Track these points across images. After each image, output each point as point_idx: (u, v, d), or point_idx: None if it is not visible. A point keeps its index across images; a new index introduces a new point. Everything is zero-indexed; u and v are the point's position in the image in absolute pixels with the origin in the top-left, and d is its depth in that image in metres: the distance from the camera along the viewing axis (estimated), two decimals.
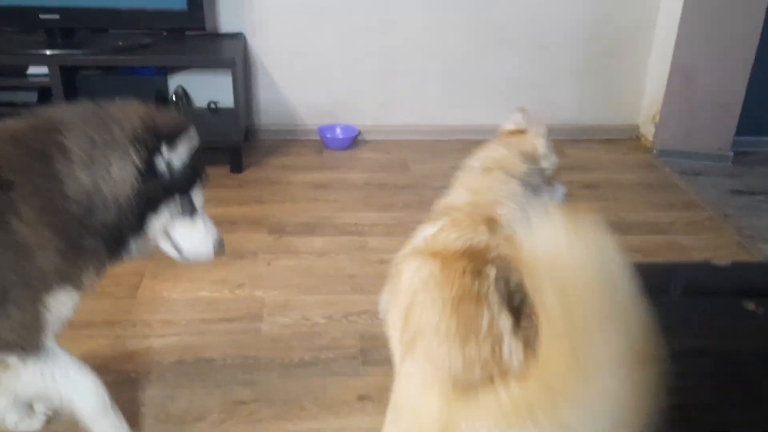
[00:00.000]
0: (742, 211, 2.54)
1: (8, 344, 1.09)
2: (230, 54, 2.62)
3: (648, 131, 3.10)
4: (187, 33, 2.80)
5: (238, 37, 2.84)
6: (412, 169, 2.83)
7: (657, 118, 2.98)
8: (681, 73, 2.87)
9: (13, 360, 1.11)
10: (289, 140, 3.04)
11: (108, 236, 1.12)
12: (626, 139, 3.20)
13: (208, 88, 2.92)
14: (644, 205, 2.56)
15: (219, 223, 1.33)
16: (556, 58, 3.04)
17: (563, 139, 3.16)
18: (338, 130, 3.04)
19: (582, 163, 2.93)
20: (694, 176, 2.86)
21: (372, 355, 1.66)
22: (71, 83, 2.59)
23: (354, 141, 3.03)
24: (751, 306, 1.12)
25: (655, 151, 3.03)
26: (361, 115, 3.08)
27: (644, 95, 3.14)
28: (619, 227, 2.35)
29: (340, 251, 2.16)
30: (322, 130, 3.02)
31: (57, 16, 2.46)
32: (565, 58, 3.04)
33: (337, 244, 2.19)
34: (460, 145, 3.07)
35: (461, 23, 2.94)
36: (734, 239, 2.31)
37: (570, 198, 2.53)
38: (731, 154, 3.01)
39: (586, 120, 3.17)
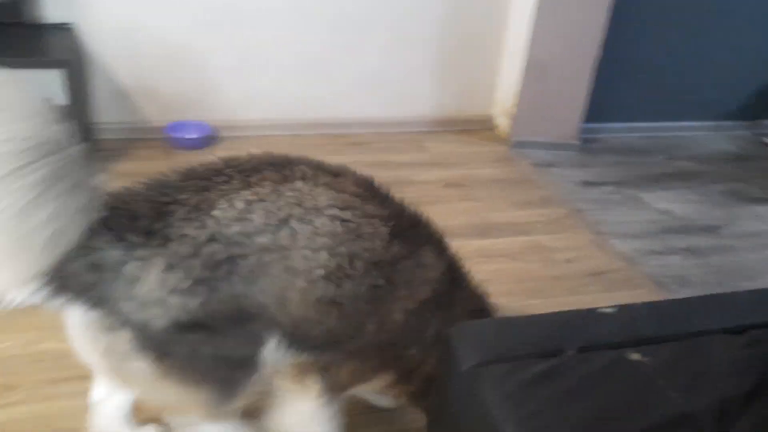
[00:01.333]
0: (594, 206, 2.68)
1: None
2: (60, 50, 2.30)
3: (503, 122, 3.17)
4: (6, 23, 2.41)
5: (67, 28, 2.49)
6: None
7: (514, 110, 3.05)
8: (536, 66, 2.95)
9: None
10: (134, 140, 2.76)
11: None
12: (481, 129, 3.25)
13: (37, 84, 2.55)
14: (506, 203, 2.62)
15: None
16: (414, 51, 3.01)
17: (423, 131, 3.16)
18: (189, 128, 2.80)
19: (443, 159, 2.94)
20: (547, 168, 2.98)
21: None
22: None
23: (207, 140, 2.82)
24: (636, 356, 1.15)
25: (511, 142, 3.11)
26: (214, 110, 2.86)
27: (498, 87, 3.20)
28: (486, 229, 2.39)
29: None
30: (170, 129, 2.77)
31: None
32: (423, 51, 3.02)
33: None
34: (322, 140, 2.98)
35: (320, 16, 2.81)
36: (589, 237, 2.44)
37: (435, 199, 2.56)
38: (578, 142, 3.16)
39: (443, 112, 3.19)
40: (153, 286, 0.96)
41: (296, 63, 2.87)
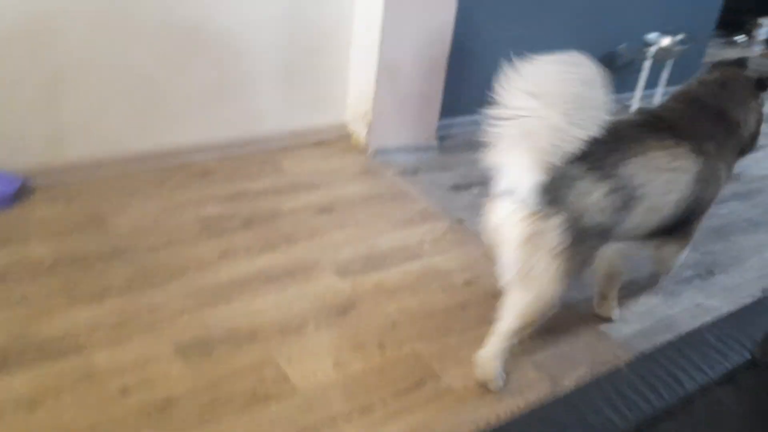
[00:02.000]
0: (471, 213, 2.57)
1: None
2: None
3: (359, 130, 2.95)
4: None
5: None
6: (112, 222, 2.24)
7: (369, 117, 2.84)
8: (388, 69, 2.76)
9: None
10: None
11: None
12: (337, 139, 3.02)
13: None
14: (387, 224, 2.42)
15: None
16: (255, 62, 2.66)
17: (276, 149, 2.85)
18: None
19: (305, 179, 2.67)
20: (413, 175, 2.83)
21: None
22: None
23: (18, 193, 2.28)
24: None
25: (370, 150, 2.91)
26: (22, 155, 2.32)
27: (350, 93, 2.97)
28: (378, 260, 2.18)
29: (61, 391, 1.56)
30: None
31: None
32: (265, 61, 2.69)
33: (51, 381, 1.58)
34: (162, 175, 2.55)
35: (142, 33, 2.36)
36: (478, 251, 2.32)
37: (311, 231, 2.29)
38: (437, 143, 3.05)
39: (295, 125, 2.90)
40: (596, 199, 1.43)
41: (119, 86, 2.41)
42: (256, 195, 2.51)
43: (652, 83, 3.72)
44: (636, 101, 3.76)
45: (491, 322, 1.68)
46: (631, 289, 2.15)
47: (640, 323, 2.02)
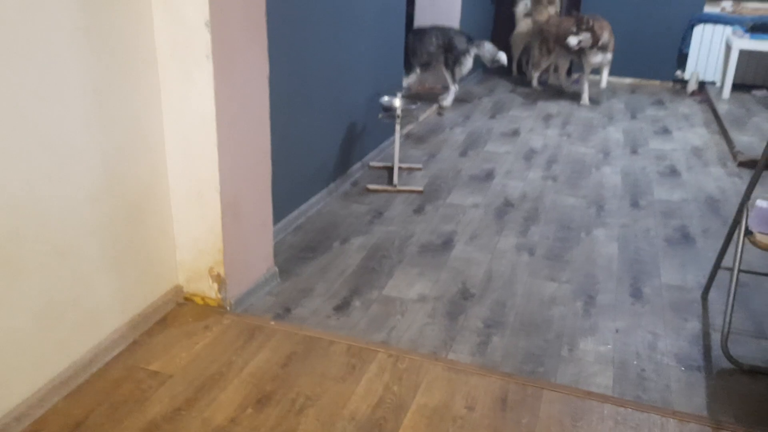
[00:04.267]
0: (373, 328, 2.36)
1: None
2: None
3: (205, 288, 2.41)
4: None
5: None
6: None
7: (219, 268, 2.35)
8: (230, 208, 2.32)
9: None
10: None
11: None
12: (178, 309, 2.41)
13: None
14: (340, 401, 2.05)
15: None
16: (78, 259, 1.95)
17: (120, 352, 2.15)
18: None
19: (197, 382, 2.07)
20: (289, 312, 2.45)
21: None
22: None
23: None
24: None
25: (228, 306, 2.41)
26: None
27: (178, 252, 2.40)
28: None
29: None
30: None
31: None
32: (92, 251, 1.98)
33: None
34: None
35: None
36: None
37: None
38: (276, 267, 2.70)
39: (125, 317, 2.22)
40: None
41: None
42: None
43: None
44: None
45: None
46: None
47: None
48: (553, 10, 6.15)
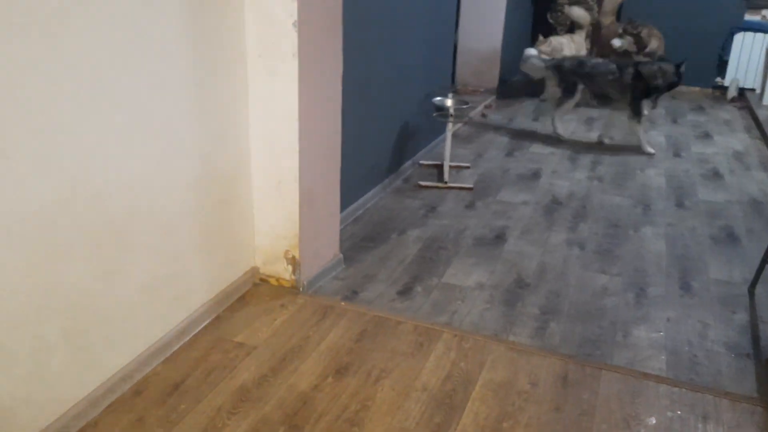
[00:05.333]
0: (436, 311, 2.51)
1: None
2: None
3: (279, 271, 2.59)
4: None
5: None
6: None
7: (296, 252, 2.53)
8: (307, 196, 2.50)
9: None
10: None
11: None
12: (254, 289, 2.60)
13: None
14: (409, 377, 2.21)
15: None
16: (173, 238, 2.14)
17: (206, 326, 2.33)
18: None
19: (280, 352, 2.24)
20: (356, 295, 2.62)
21: None
22: None
23: None
24: None
25: (302, 287, 2.58)
26: None
27: (257, 236, 2.58)
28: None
29: None
30: None
31: None
32: (187, 233, 2.18)
33: None
34: None
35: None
36: None
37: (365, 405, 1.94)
38: (341, 254, 2.87)
39: (215, 289, 2.40)
40: None
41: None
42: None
43: None
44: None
45: None
46: None
47: None
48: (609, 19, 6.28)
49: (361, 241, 3.10)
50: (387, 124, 3.66)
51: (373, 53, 3.30)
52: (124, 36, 1.77)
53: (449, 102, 3.82)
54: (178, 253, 2.15)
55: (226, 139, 2.30)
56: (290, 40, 2.25)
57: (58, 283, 1.71)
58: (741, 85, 6.41)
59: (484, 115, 5.45)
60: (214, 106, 2.19)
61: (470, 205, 3.59)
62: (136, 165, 1.90)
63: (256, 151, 2.44)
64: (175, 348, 2.19)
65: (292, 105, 2.33)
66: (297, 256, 2.53)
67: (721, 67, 6.57)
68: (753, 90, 6.36)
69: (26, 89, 1.52)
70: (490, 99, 5.83)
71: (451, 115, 3.73)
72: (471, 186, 3.83)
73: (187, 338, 2.25)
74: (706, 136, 5.16)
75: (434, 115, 3.83)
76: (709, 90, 6.72)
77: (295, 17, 2.22)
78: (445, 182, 3.82)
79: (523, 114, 5.62)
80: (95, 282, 1.83)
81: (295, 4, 2.20)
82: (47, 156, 1.61)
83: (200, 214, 2.22)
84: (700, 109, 6.06)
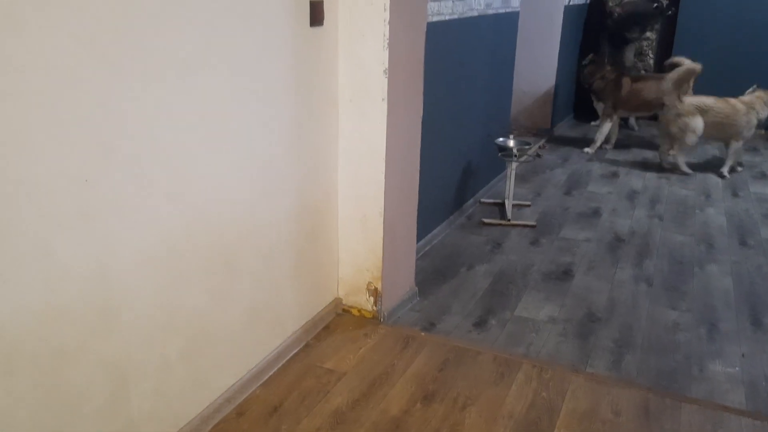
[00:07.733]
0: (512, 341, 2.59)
1: None
2: None
3: (361, 302, 2.72)
4: None
5: None
6: None
7: (378, 284, 2.65)
8: (390, 230, 2.64)
9: None
10: None
11: None
12: (335, 317, 2.73)
13: None
14: (492, 415, 2.29)
15: None
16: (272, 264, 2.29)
17: (302, 356, 2.46)
18: None
19: (366, 381, 2.35)
20: (433, 326, 2.72)
21: None
22: None
23: None
24: None
25: (383, 318, 2.70)
26: None
27: (341, 267, 2.72)
28: None
29: None
30: None
31: None
32: (283, 263, 2.33)
33: None
34: None
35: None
36: None
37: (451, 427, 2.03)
38: (416, 287, 2.99)
39: (301, 321, 2.54)
40: None
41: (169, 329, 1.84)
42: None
43: None
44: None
45: None
46: None
47: None
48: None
49: (431, 275, 3.22)
50: (451, 163, 3.80)
51: (441, 96, 3.47)
52: (241, 83, 1.96)
53: (511, 142, 3.96)
54: (276, 281, 2.30)
55: (318, 176, 2.46)
56: (380, 86, 2.42)
57: (180, 306, 1.87)
58: None
59: (539, 155, 5.57)
60: (309, 145, 2.37)
61: (534, 242, 3.69)
62: (245, 198, 2.07)
63: (344, 187, 2.59)
64: (271, 373, 2.33)
65: (379, 145, 2.49)
66: (379, 288, 2.66)
67: None
68: None
69: (163, 130, 1.71)
70: (543, 140, 5.96)
71: (515, 155, 3.86)
72: (534, 223, 3.93)
73: (281, 363, 2.38)
74: (763, 176, 5.18)
75: (499, 155, 3.96)
76: (762, 131, 6.72)
77: (386, 65, 2.39)
78: (508, 219, 3.93)
79: (577, 154, 5.72)
80: (208, 306, 1.98)
81: (386, 53, 2.37)
82: (178, 190, 1.79)
83: (294, 244, 2.37)
84: (754, 150, 6.08)
